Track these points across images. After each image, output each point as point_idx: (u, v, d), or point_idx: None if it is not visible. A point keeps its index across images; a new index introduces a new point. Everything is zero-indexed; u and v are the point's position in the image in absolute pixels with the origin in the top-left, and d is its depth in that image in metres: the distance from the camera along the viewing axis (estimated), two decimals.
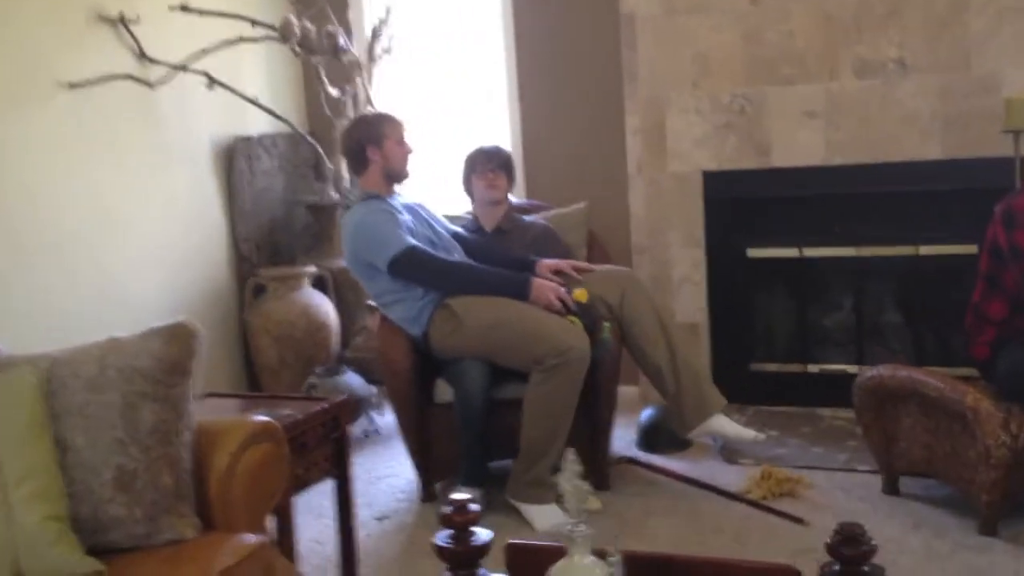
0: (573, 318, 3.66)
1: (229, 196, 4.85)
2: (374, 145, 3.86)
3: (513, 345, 3.57)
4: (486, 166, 4.12)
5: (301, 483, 2.84)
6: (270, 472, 2.48)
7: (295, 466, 2.80)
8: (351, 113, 4.96)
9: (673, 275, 4.81)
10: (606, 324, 3.68)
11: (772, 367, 4.78)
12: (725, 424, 3.73)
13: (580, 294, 3.71)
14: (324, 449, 2.91)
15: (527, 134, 5.09)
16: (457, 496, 2.06)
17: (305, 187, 5.16)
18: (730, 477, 3.90)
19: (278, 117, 4.76)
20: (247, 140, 4.88)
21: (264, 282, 4.80)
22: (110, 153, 4.17)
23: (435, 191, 5.17)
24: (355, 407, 4.54)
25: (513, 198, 4.39)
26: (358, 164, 3.92)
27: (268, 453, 2.47)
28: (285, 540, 2.78)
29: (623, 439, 4.40)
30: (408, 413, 3.81)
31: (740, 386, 4.70)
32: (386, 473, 4.25)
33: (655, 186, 4.77)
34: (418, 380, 3.80)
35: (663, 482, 3.93)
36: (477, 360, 3.67)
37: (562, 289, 3.70)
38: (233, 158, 4.83)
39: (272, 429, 2.50)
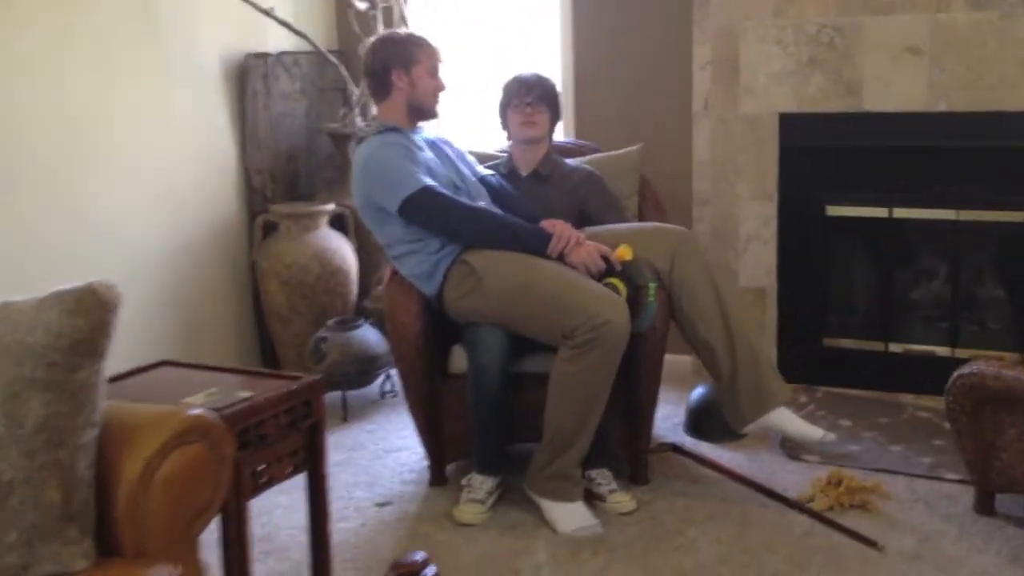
0: (615, 279, 3.08)
1: (240, 121, 4.30)
2: (401, 69, 3.28)
3: (539, 313, 3.01)
4: (523, 98, 3.52)
5: (259, 485, 2.32)
6: (200, 482, 1.96)
7: (251, 464, 2.28)
8: (381, 31, 4.38)
9: (739, 231, 4.18)
10: (651, 286, 3.10)
11: (848, 343, 4.15)
12: (788, 420, 3.13)
13: (624, 251, 3.12)
14: (292, 440, 2.39)
15: (579, 64, 4.45)
16: (405, 561, 1.51)
17: (332, 113, 4.60)
18: (791, 478, 3.32)
19: (296, 31, 4.19)
20: (263, 57, 4.32)
21: (275, 219, 4.27)
22: (97, 68, 3.64)
23: (471, 130, 4.59)
24: (368, 367, 4.04)
25: (559, 137, 3.79)
26: (379, 89, 3.35)
27: (197, 457, 1.95)
28: (236, 559, 2.27)
29: (668, 420, 3.84)
30: (417, 385, 3.27)
31: (810, 363, 4.13)
32: (396, 445, 3.73)
33: (723, 128, 4.14)
34: (430, 347, 3.25)
35: (711, 478, 3.36)
36: (496, 327, 3.12)
37: (604, 247, 3.13)
38: (246, 78, 4.27)
39: (205, 425, 1.98)
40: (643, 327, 3.10)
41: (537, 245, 3.12)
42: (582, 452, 3.04)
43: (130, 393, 2.29)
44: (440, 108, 3.40)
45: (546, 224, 3.18)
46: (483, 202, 3.34)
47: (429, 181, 3.15)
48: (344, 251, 4.28)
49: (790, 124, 4.04)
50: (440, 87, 3.35)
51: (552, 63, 4.49)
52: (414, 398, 3.29)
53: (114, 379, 2.50)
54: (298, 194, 4.53)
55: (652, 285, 3.11)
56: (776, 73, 4.02)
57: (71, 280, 3.56)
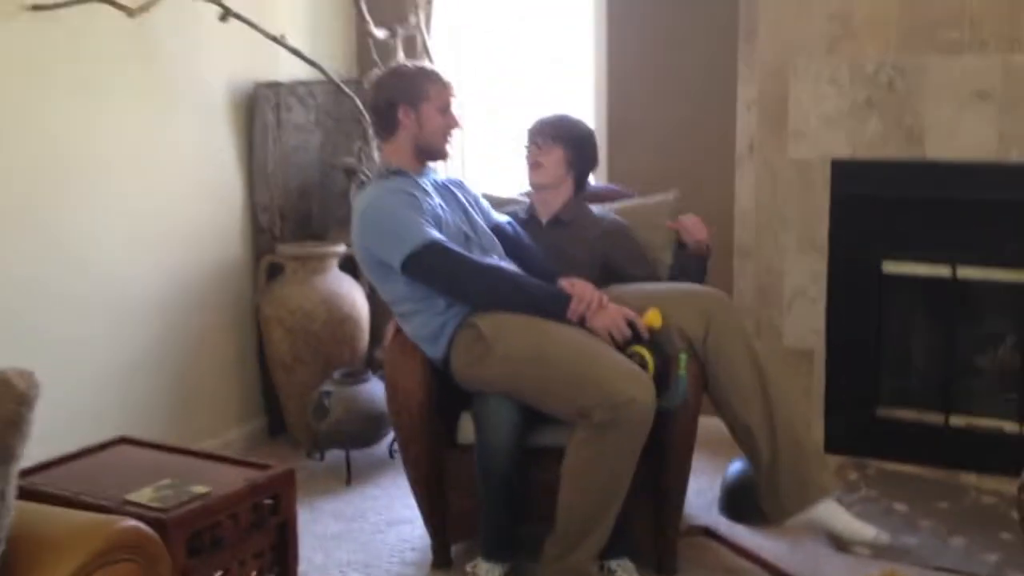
0: (642, 348, 2.73)
1: (248, 154, 4.00)
2: (408, 106, 2.97)
3: (553, 388, 2.66)
4: (532, 138, 3.19)
5: None
6: None
7: (205, 573, 1.96)
8: (398, 61, 4.07)
9: (784, 287, 3.81)
10: (683, 357, 2.75)
11: (905, 414, 3.75)
12: (835, 515, 2.76)
13: (653, 316, 2.78)
14: (256, 541, 2.06)
15: (614, 103, 4.12)
16: None
17: (349, 146, 4.28)
18: (840, 573, 2.94)
19: (307, 60, 3.88)
20: (275, 87, 4.03)
21: (282, 261, 3.96)
22: (85, 94, 3.35)
23: (493, 173, 4.28)
24: (375, 424, 3.71)
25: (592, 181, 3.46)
26: (384, 127, 3.04)
27: None
28: None
29: (702, 496, 3.48)
30: (419, 459, 2.93)
31: (860, 435, 3.77)
32: (401, 516, 3.39)
33: (770, 173, 3.78)
34: (434, 416, 2.92)
35: (748, 570, 2.99)
36: (507, 399, 2.78)
37: (630, 312, 2.78)
38: (255, 108, 3.98)
39: (138, 540, 1.66)
40: (672, 404, 2.74)
41: (555, 308, 2.78)
42: (599, 544, 2.69)
43: (70, 482, 1.99)
44: (451, 148, 3.08)
45: (565, 284, 2.84)
46: (496, 255, 3.01)
47: (436, 234, 2.82)
48: (354, 296, 3.97)
49: (843, 171, 3.67)
50: (452, 125, 3.03)
51: (585, 101, 4.16)
52: (416, 473, 2.96)
53: (62, 460, 2.20)
54: (310, 233, 4.22)
55: (683, 356, 2.76)
56: (829, 115, 3.65)
57: (57, 326, 3.31)
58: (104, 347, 3.47)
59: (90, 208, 3.39)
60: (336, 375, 3.76)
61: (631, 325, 2.76)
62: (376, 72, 3.24)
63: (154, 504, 1.90)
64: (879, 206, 3.66)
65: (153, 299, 3.64)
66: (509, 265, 3.00)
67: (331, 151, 4.27)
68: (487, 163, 4.46)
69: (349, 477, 3.70)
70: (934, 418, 3.71)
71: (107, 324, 3.48)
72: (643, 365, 2.72)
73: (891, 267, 3.69)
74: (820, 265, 3.75)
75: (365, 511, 3.45)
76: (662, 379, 2.73)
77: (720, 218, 3.85)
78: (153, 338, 3.65)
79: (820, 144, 3.69)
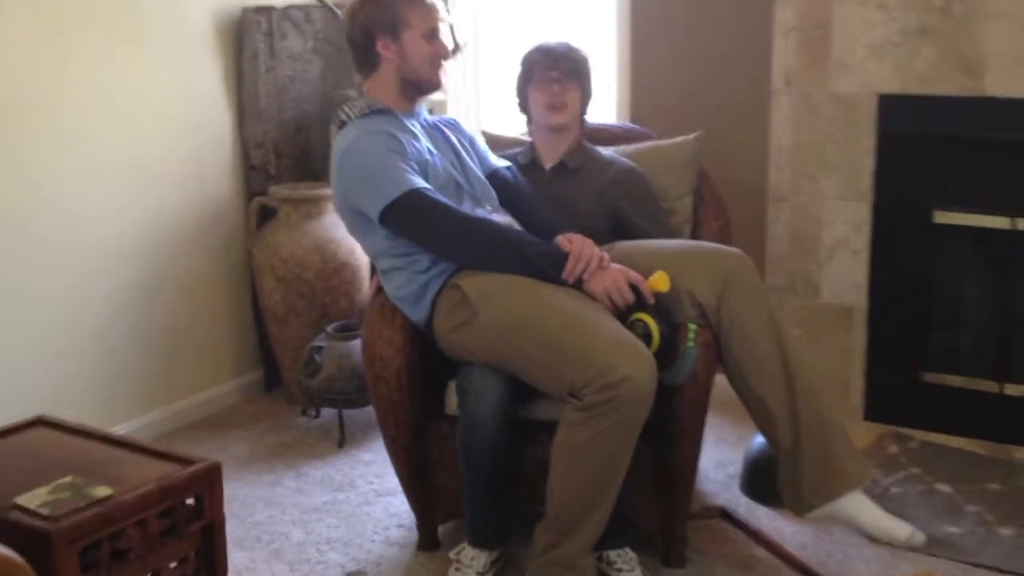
0: (645, 316, 2.41)
1: (237, 87, 3.68)
2: (387, 36, 2.62)
3: (540, 360, 2.34)
4: (548, 73, 2.83)
5: None
6: None
7: None
8: None
9: (823, 237, 3.44)
10: (692, 327, 2.42)
11: (955, 381, 3.37)
12: (864, 509, 2.43)
13: (659, 279, 2.44)
14: (171, 550, 1.77)
15: (637, 30, 3.71)
16: None
17: (352, 76, 3.94)
18: (868, 569, 2.61)
19: None
20: (266, 12, 3.69)
21: (273, 204, 3.66)
22: (52, 26, 3.05)
23: (506, 112, 3.92)
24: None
25: (606, 120, 3.10)
26: (365, 62, 2.71)
27: None
28: None
29: (722, 468, 3.16)
30: (399, 431, 2.64)
31: (904, 402, 3.40)
32: (391, 486, 3.10)
33: (809, 109, 3.38)
34: (416, 385, 2.62)
35: (767, 561, 2.67)
36: (494, 370, 2.46)
37: (634, 273, 2.44)
38: (243, 36, 3.64)
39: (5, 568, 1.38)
40: (679, 379, 2.42)
41: (549, 268, 2.45)
42: (592, 536, 2.38)
43: None
44: (443, 77, 2.73)
45: (562, 241, 2.50)
46: (489, 206, 2.68)
47: (419, 182, 2.49)
48: (350, 243, 3.65)
49: (891, 108, 3.26)
50: (440, 53, 2.68)
51: (606, 29, 3.77)
52: (395, 446, 2.66)
53: None
54: (309, 171, 3.90)
55: (693, 326, 2.42)
56: (876, 44, 3.23)
57: (26, 276, 3.05)
58: (78, 296, 3.21)
59: (57, 149, 3.12)
60: (330, 328, 3.47)
61: (634, 289, 2.43)
62: (340, 1, 2.87)
63: (43, 511, 1.63)
64: (931, 148, 3.25)
65: (131, 244, 3.37)
66: (503, 217, 2.67)
67: (332, 82, 3.93)
68: (502, 103, 4.10)
69: (342, 439, 3.42)
70: (987, 386, 3.32)
71: (81, 271, 3.22)
72: (646, 335, 2.39)
73: (943, 216, 3.28)
74: (864, 213, 3.37)
75: (355, 479, 3.18)
76: (668, 351, 2.41)
77: (753, 160, 3.49)
78: (133, 286, 3.38)
79: (866, 77, 3.27)
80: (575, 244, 2.47)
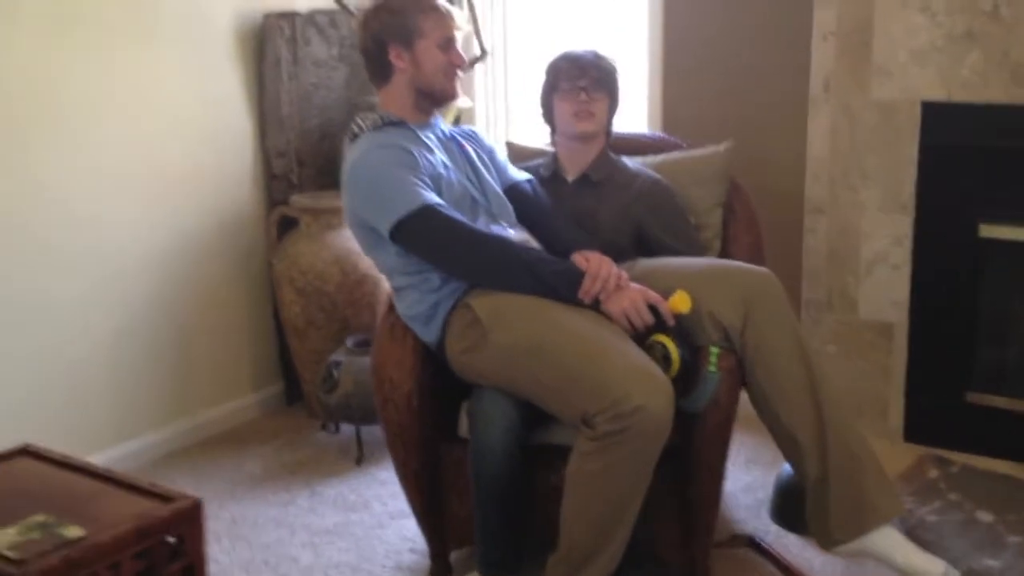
0: (665, 338, 2.29)
1: (259, 95, 3.60)
2: (400, 46, 2.52)
3: (552, 387, 2.23)
4: (576, 82, 2.71)
5: None
6: None
7: None
8: None
9: (862, 251, 3.29)
10: (714, 351, 2.29)
11: (999, 402, 3.21)
12: (895, 546, 2.28)
13: (680, 300, 2.31)
14: None
15: (670, 35, 3.58)
16: None
17: None
18: None
19: None
20: (289, 17, 3.60)
21: (294, 214, 3.58)
22: (68, 30, 2.99)
23: (533, 124, 3.82)
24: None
25: (636, 129, 2.98)
26: (377, 72, 2.61)
27: None
28: None
29: (751, 493, 3.02)
30: (409, 456, 2.53)
31: (945, 423, 3.24)
32: (405, 509, 2.97)
33: (848, 118, 3.24)
34: (427, 407, 2.51)
35: None
36: (504, 394, 2.35)
37: (653, 293, 2.32)
38: (264, 42, 3.56)
39: None
40: (699, 406, 2.29)
41: (564, 288, 2.33)
42: (607, 569, 2.25)
43: None
44: (458, 88, 2.63)
45: (579, 259, 2.38)
46: (506, 222, 2.57)
47: (431, 198, 2.39)
48: None
49: (936, 116, 3.11)
50: (455, 63, 2.57)
51: (638, 33, 3.65)
52: (406, 471, 2.56)
53: None
54: (333, 180, 3.80)
55: (715, 350, 2.30)
56: (920, 50, 3.08)
57: (40, 285, 3.00)
58: (92, 305, 3.15)
59: (73, 156, 3.06)
60: (349, 343, 3.38)
61: (653, 310, 2.30)
62: (362, 6, 2.77)
63: (10, 554, 1.54)
64: (977, 158, 3.10)
65: (149, 254, 3.30)
66: (519, 234, 2.56)
67: (358, 89, 3.85)
68: (532, 112, 3.99)
69: (360, 456, 3.33)
70: None
71: (96, 280, 3.16)
72: (666, 358, 2.28)
73: (989, 231, 3.13)
74: (905, 226, 3.22)
75: (369, 500, 3.09)
76: (688, 375, 2.29)
77: (789, 169, 3.35)
78: (149, 295, 3.32)
79: (909, 84, 3.13)
80: (592, 262, 2.36)
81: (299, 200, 3.56)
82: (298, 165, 3.71)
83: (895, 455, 3.25)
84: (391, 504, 3.05)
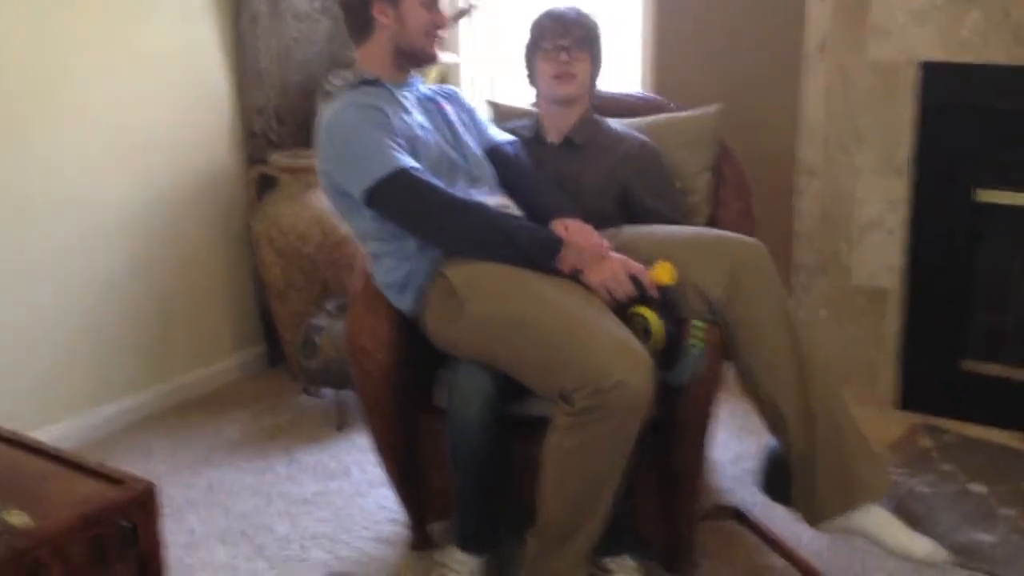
0: (646, 311, 2.21)
1: (236, 49, 3.49)
2: (384, 1, 2.42)
3: (529, 361, 2.15)
4: (557, 41, 2.61)
5: None
6: None
7: None
8: None
9: (855, 215, 3.21)
10: (697, 324, 2.22)
11: (994, 369, 3.15)
12: (882, 524, 2.21)
13: (663, 271, 2.24)
14: None
15: (664, 4, 3.47)
16: None
17: None
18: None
19: None
20: None
21: (273, 173, 3.49)
22: None
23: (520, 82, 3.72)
24: None
25: (624, 88, 2.88)
26: (358, 28, 2.50)
27: None
28: None
29: (738, 463, 2.97)
30: (386, 427, 2.47)
31: (940, 391, 3.20)
32: (385, 477, 2.94)
33: (843, 78, 3.14)
34: (404, 378, 2.44)
35: (782, 571, 2.49)
36: (480, 366, 2.28)
37: (635, 263, 2.24)
38: None
39: None
40: (682, 380, 2.22)
41: (543, 257, 2.25)
42: (585, 545, 2.19)
43: None
44: (439, 50, 2.53)
45: (558, 226, 2.30)
46: (486, 187, 2.48)
47: (406, 161, 2.30)
48: None
49: (934, 77, 3.02)
50: (439, 23, 2.48)
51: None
52: (382, 443, 2.49)
53: None
54: (314, 138, 3.71)
55: (698, 323, 2.22)
56: (918, 8, 2.98)
57: (17, 244, 2.91)
58: (67, 265, 3.08)
59: (49, 116, 2.98)
60: (329, 307, 3.30)
61: (635, 281, 2.23)
62: None
63: None
64: (976, 121, 3.01)
65: (126, 211, 3.22)
66: (500, 199, 2.47)
67: (341, 43, 3.73)
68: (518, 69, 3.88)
69: (341, 422, 3.27)
70: None
71: (71, 238, 3.09)
72: (646, 331, 2.20)
73: (987, 195, 3.05)
74: (901, 190, 3.13)
75: (349, 466, 3.03)
76: (671, 349, 2.21)
77: (782, 130, 3.26)
78: (124, 254, 3.24)
79: (907, 43, 3.03)
80: (572, 231, 2.28)
81: (278, 159, 3.47)
82: (278, 122, 3.62)
83: (887, 423, 3.19)
84: (371, 472, 2.99)
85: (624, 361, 2.03)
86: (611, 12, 3.59)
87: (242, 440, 3.20)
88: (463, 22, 3.75)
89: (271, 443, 3.18)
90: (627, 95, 3.05)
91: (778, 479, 2.73)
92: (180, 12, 3.31)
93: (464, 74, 3.94)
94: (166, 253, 3.36)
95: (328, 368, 3.22)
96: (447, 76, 3.87)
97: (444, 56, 3.69)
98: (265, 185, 3.52)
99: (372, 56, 2.50)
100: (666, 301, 2.24)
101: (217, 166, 3.49)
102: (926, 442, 3.05)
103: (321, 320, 3.27)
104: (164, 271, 3.36)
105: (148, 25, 3.21)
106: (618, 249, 2.30)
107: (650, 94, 3.11)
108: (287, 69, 3.61)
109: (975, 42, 2.93)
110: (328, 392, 3.42)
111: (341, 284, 3.44)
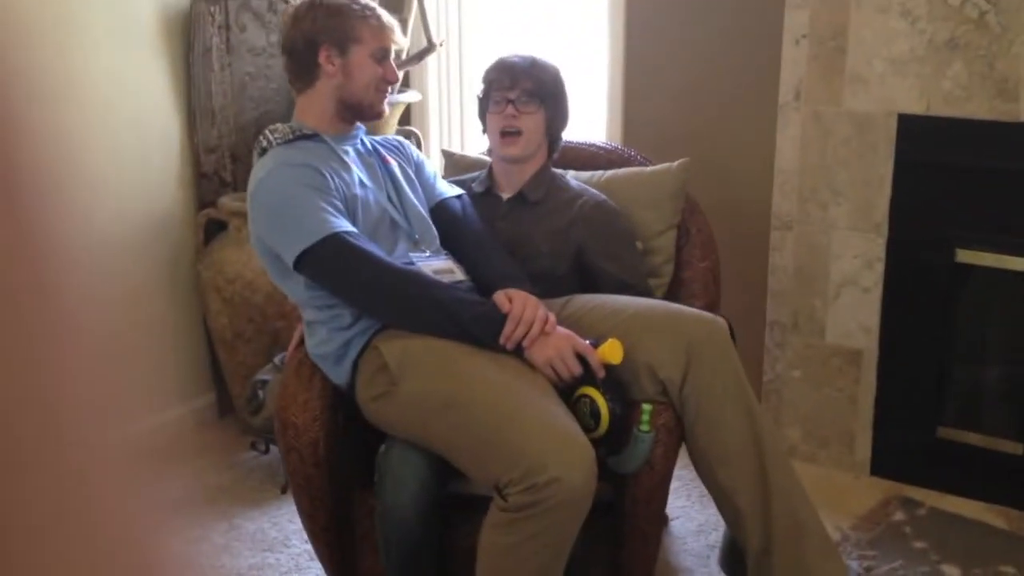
0: (593, 390, 2.05)
1: (187, 83, 3.34)
2: (333, 48, 2.28)
3: (462, 447, 1.99)
4: (504, 93, 2.45)
5: None
6: None
7: None
8: None
9: (831, 271, 3.05)
10: (646, 408, 2.06)
11: (973, 439, 2.99)
12: None
13: (611, 349, 2.07)
14: None
15: (632, 39, 3.31)
16: None
17: None
18: None
19: None
20: (220, 3, 3.33)
21: (223, 217, 3.32)
22: None
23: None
24: None
25: (592, 138, 2.72)
26: (300, 75, 2.37)
27: None
28: None
29: (702, 538, 2.80)
30: (316, 511, 2.29)
31: (915, 458, 3.03)
32: None
33: (819, 128, 2.98)
34: (337, 455, 2.28)
35: None
36: (416, 448, 2.12)
37: (582, 341, 2.08)
38: (194, 30, 3.29)
39: None
40: (630, 468, 2.07)
41: (484, 332, 2.09)
42: None
43: None
44: (387, 106, 2.38)
45: (501, 299, 2.14)
46: (430, 249, 2.32)
47: (340, 225, 2.14)
48: None
49: (913, 131, 2.86)
50: (389, 78, 2.33)
51: (596, 38, 3.38)
52: (313, 526, 2.32)
53: None
54: None
55: (647, 407, 2.06)
56: (899, 58, 2.83)
57: None
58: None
59: None
60: (277, 360, 3.13)
61: (582, 360, 2.07)
62: (294, 2, 2.52)
63: None
64: (956, 178, 2.85)
65: (64, 260, 3.04)
66: (442, 262, 2.31)
67: None
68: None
69: (286, 484, 3.10)
70: (1009, 447, 2.93)
71: None
72: (594, 414, 2.04)
73: (967, 256, 2.89)
74: (877, 248, 2.98)
75: (290, 535, 2.86)
76: (619, 433, 2.06)
77: (756, 182, 3.10)
78: (67, 299, 3.06)
79: (886, 95, 2.87)
80: (515, 304, 2.11)
81: (227, 203, 3.31)
82: (232, 161, 3.46)
83: (861, 489, 3.04)
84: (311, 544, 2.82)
85: (563, 455, 1.86)
86: (575, 58, 3.44)
87: (180, 502, 3.03)
88: (430, 60, 3.59)
89: (211, 507, 3.01)
90: (589, 145, 2.89)
91: (739, 558, 2.58)
92: (126, 45, 3.14)
93: (431, 113, 3.79)
94: (107, 299, 3.19)
95: (272, 426, 3.04)
96: (412, 117, 3.72)
97: (409, 95, 3.55)
98: (216, 229, 3.36)
99: (313, 106, 2.35)
100: (615, 381, 2.08)
101: (164, 208, 3.33)
102: (899, 515, 2.89)
103: (267, 374, 3.11)
104: (105, 317, 3.19)
105: (92, 59, 3.04)
106: (565, 323, 2.14)
107: (614, 144, 2.94)
108: (242, 106, 3.45)
109: (957, 95, 2.77)
110: (276, 448, 3.26)
111: (292, 335, 3.27)
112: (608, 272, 2.42)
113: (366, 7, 2.32)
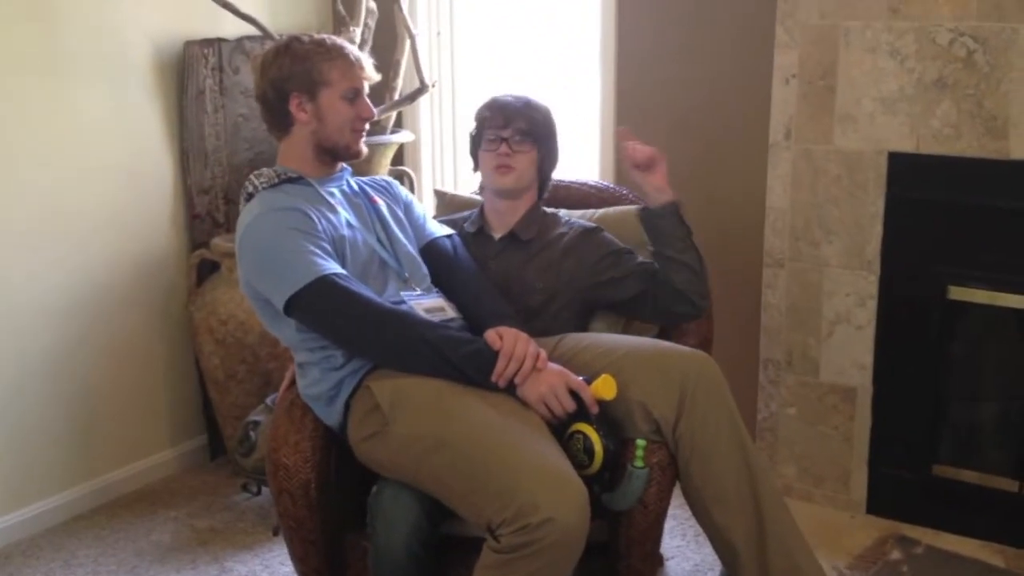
0: (587, 427, 2.04)
1: (180, 125, 3.35)
2: (303, 95, 2.27)
3: (454, 487, 1.98)
4: (498, 131, 2.46)
5: None
6: None
7: None
8: (364, 19, 3.37)
9: (823, 309, 3.05)
10: (640, 444, 2.05)
11: (968, 476, 2.98)
12: None
13: (604, 385, 2.07)
14: None
15: (623, 77, 3.33)
16: None
17: None
18: None
19: (239, 14, 3.18)
20: (213, 45, 3.35)
21: (216, 257, 3.32)
22: None
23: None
24: None
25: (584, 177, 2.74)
26: (276, 123, 2.35)
27: None
28: None
29: (696, 572, 2.78)
30: (307, 554, 2.27)
31: (910, 497, 3.02)
32: None
33: (810, 167, 3.00)
34: (328, 498, 2.26)
35: None
36: (407, 489, 2.10)
37: (575, 377, 2.08)
38: (187, 72, 3.30)
39: None
40: (623, 505, 2.06)
41: (475, 370, 2.08)
42: None
43: None
44: (363, 145, 2.37)
45: (492, 337, 2.13)
46: (420, 288, 2.32)
47: (329, 268, 2.13)
48: None
49: (904, 169, 2.88)
50: (363, 115, 2.33)
51: (588, 73, 3.41)
52: (304, 568, 2.30)
53: None
54: None
55: (641, 443, 2.05)
56: (888, 97, 2.85)
57: None
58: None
59: None
60: (269, 401, 3.12)
61: (576, 396, 2.06)
62: (261, 49, 2.52)
63: None
64: (947, 215, 2.86)
65: (58, 302, 3.06)
66: (433, 301, 2.30)
67: None
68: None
69: (277, 526, 3.07)
70: (1005, 484, 2.92)
71: (3, 324, 2.93)
72: (588, 451, 2.03)
73: (960, 293, 2.89)
74: (870, 285, 2.98)
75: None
76: (613, 470, 2.05)
77: (748, 220, 3.11)
78: (48, 351, 3.06)
79: (875, 133, 2.89)
80: (506, 341, 2.10)
81: (220, 243, 3.30)
82: (224, 203, 3.46)
83: (857, 528, 3.02)
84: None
85: (556, 494, 1.85)
86: (567, 98, 3.47)
87: (172, 544, 3.00)
88: (423, 100, 3.61)
89: (202, 549, 2.98)
90: (582, 184, 2.90)
91: None
92: (120, 88, 3.16)
93: (424, 153, 3.80)
94: (100, 340, 3.19)
95: (264, 468, 3.02)
96: (405, 158, 3.74)
97: (402, 136, 3.56)
98: (209, 270, 3.36)
99: (293, 151, 2.35)
100: (609, 418, 2.07)
101: (157, 249, 3.33)
102: (896, 554, 2.87)
103: (260, 416, 3.09)
104: (91, 363, 3.18)
105: (80, 101, 3.05)
106: (558, 360, 2.14)
107: (606, 183, 2.95)
108: (236, 147, 3.46)
109: (947, 133, 2.79)
110: (268, 490, 3.23)
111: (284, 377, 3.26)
112: (615, 278, 2.41)
113: (332, 48, 2.30)
